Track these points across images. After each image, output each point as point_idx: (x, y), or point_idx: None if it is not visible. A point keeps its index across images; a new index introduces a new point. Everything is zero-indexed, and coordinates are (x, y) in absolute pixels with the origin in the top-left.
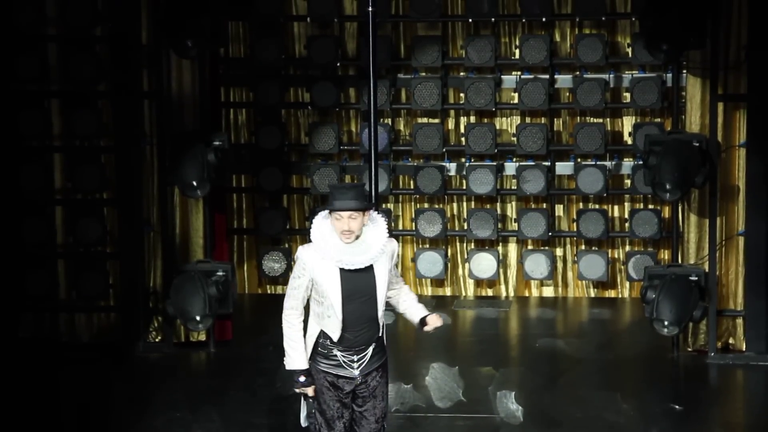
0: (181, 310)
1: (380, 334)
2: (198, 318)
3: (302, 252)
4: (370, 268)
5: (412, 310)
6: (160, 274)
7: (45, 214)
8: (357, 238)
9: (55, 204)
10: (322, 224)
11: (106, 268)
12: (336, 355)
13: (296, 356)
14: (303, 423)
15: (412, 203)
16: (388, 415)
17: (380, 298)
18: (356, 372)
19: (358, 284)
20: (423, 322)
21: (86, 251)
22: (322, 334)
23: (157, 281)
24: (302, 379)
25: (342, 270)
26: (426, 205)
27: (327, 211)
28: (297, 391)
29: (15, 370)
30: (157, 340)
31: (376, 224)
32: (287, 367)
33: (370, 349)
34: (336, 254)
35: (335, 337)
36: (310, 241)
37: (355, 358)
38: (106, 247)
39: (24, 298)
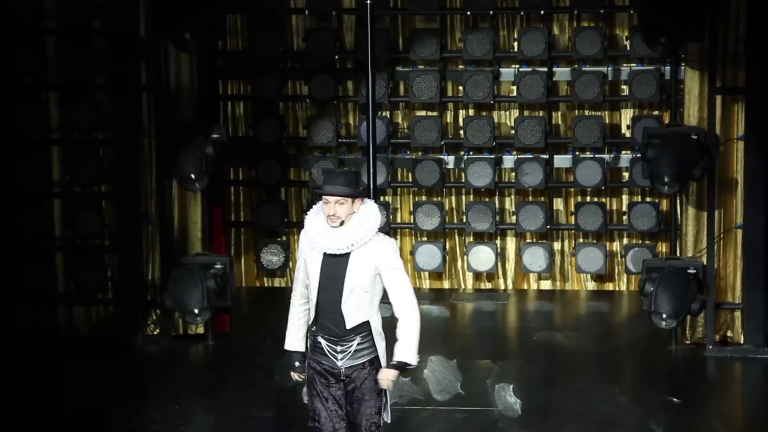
0: (179, 303)
1: (365, 328)
2: (196, 311)
3: (301, 235)
4: (347, 257)
5: (395, 343)
6: (158, 267)
7: (43, 207)
8: (342, 223)
9: (54, 197)
10: (317, 213)
11: (104, 261)
12: (320, 343)
13: (287, 337)
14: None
15: (411, 196)
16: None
17: (346, 288)
18: (339, 363)
19: (334, 270)
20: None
21: (84, 244)
22: (312, 319)
23: (156, 274)
24: (295, 363)
25: (325, 255)
26: (424, 198)
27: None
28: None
29: (13, 363)
30: (155, 333)
31: (367, 214)
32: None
33: (355, 342)
34: (318, 237)
35: (311, 320)
36: None
37: (339, 348)
38: (104, 240)
39: (22, 291)
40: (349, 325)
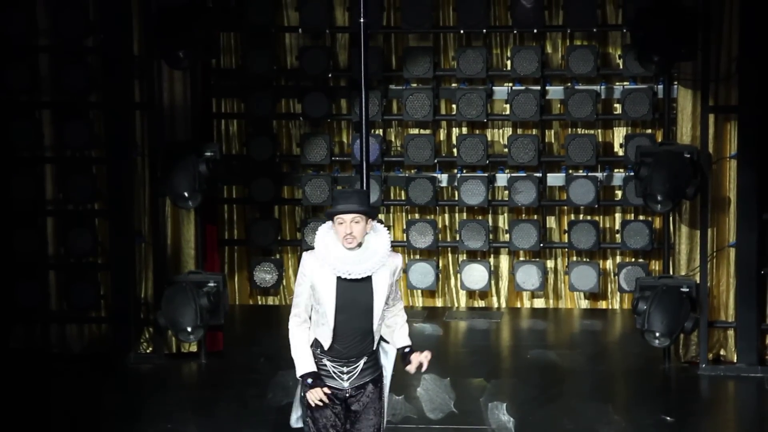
0: (172, 321)
1: (374, 348)
2: (189, 329)
3: (305, 257)
4: (368, 280)
5: (395, 337)
6: (151, 285)
7: (36, 225)
8: (360, 245)
9: (47, 215)
10: (326, 233)
11: (97, 279)
12: (326, 365)
13: (300, 362)
14: (293, 424)
15: (404, 214)
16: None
17: (377, 311)
18: (346, 384)
19: (354, 295)
20: (405, 357)
21: (77, 262)
22: (315, 342)
23: (149, 292)
24: (309, 381)
25: (339, 279)
26: (417, 216)
27: (331, 222)
28: (307, 396)
29: (5, 382)
30: (148, 351)
31: (379, 234)
32: (297, 375)
33: (362, 362)
34: (335, 262)
35: (326, 345)
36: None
37: (345, 369)
38: (97, 258)
39: (15, 309)
40: (376, 345)
